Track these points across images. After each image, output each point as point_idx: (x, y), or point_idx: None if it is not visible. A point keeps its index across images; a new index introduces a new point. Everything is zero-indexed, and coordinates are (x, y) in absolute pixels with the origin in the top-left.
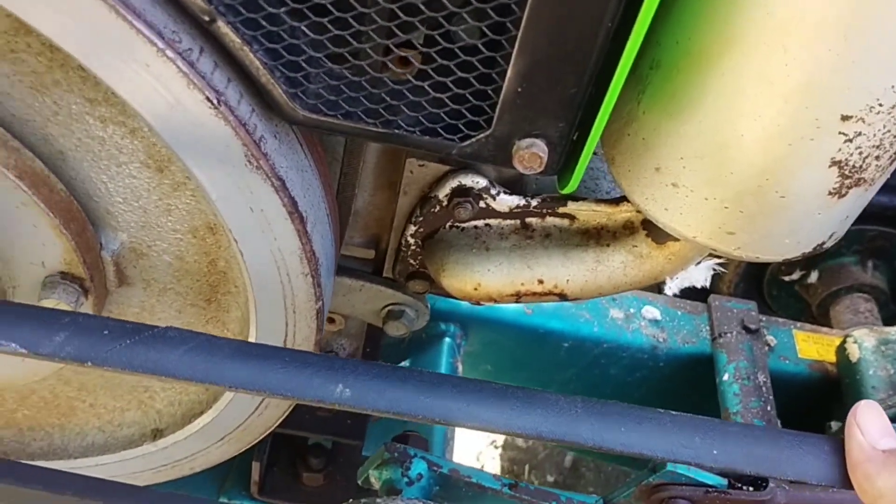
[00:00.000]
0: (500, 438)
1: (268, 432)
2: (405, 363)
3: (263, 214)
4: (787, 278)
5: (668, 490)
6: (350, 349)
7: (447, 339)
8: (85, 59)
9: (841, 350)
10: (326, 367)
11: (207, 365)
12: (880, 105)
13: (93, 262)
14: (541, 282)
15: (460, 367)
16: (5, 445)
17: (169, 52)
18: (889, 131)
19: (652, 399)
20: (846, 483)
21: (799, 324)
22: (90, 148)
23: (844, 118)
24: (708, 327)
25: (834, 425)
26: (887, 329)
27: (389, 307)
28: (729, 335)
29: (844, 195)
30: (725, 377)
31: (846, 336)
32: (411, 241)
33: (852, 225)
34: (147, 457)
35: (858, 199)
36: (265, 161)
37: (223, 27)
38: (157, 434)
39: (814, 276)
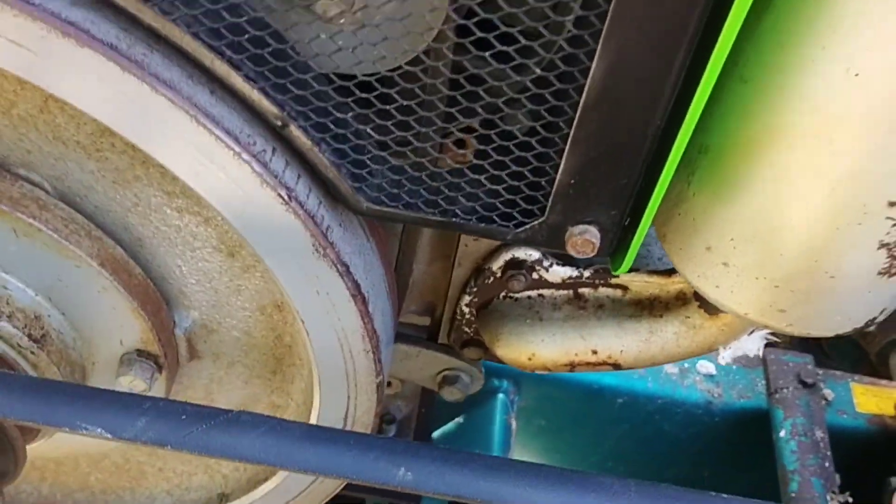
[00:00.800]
0: None
1: (328, 498)
2: (459, 419)
3: (329, 297)
4: None
5: None
6: (406, 411)
7: (500, 395)
8: (165, 161)
9: None
10: (389, 451)
11: (278, 449)
12: None
13: (167, 340)
14: (595, 352)
15: (514, 423)
16: None
17: (244, 155)
18: None
19: (707, 455)
20: None
21: (857, 377)
22: (166, 235)
23: (892, 204)
24: (764, 381)
25: (894, 481)
26: None
27: (445, 372)
28: (785, 390)
29: (894, 274)
30: (782, 433)
31: None
32: (466, 310)
33: None
34: None
35: None
36: (331, 249)
37: (294, 130)
38: (222, 499)
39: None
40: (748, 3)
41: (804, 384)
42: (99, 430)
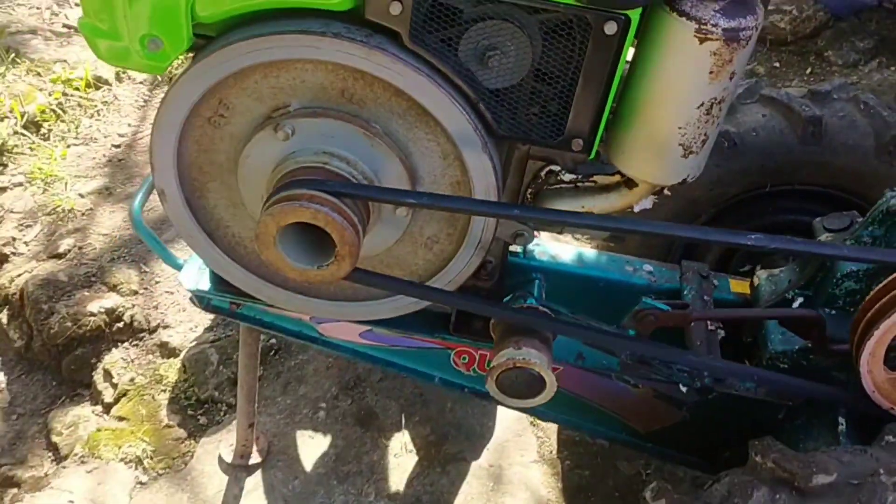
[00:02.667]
0: None
1: (459, 284)
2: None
3: (484, 170)
4: (741, 270)
5: (644, 313)
6: (495, 262)
7: (537, 281)
8: (436, 114)
9: (751, 282)
10: (516, 207)
11: (473, 205)
12: (689, 123)
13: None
14: (583, 207)
15: (544, 294)
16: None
17: (464, 112)
18: (696, 132)
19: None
20: None
21: (732, 275)
22: (420, 150)
23: (679, 128)
24: (678, 277)
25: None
26: (773, 269)
27: (517, 231)
28: (689, 274)
29: (687, 157)
30: (685, 294)
31: (754, 274)
32: (529, 197)
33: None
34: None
35: (696, 160)
36: (488, 148)
37: (480, 105)
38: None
39: (758, 269)
40: (625, 57)
41: (701, 276)
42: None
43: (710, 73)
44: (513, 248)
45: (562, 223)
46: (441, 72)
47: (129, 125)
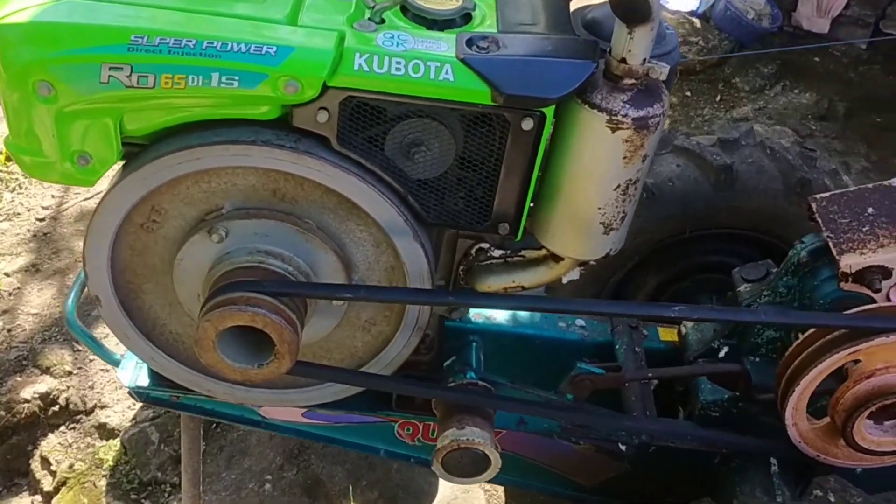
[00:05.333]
0: None
1: (397, 366)
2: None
3: (418, 257)
4: None
5: (580, 377)
6: (432, 335)
7: (474, 344)
8: (367, 209)
9: (679, 331)
10: (449, 295)
11: (411, 296)
12: (608, 203)
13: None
14: (513, 282)
15: (482, 357)
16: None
17: (392, 205)
18: (615, 211)
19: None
20: None
21: (662, 325)
22: (353, 240)
23: (598, 208)
24: (610, 329)
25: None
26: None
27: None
28: (620, 328)
29: (609, 234)
30: (617, 347)
31: (682, 325)
32: (461, 273)
33: (701, 275)
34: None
35: (617, 235)
36: (419, 237)
37: (409, 198)
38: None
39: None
40: (543, 149)
41: (630, 326)
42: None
43: (624, 158)
44: None
45: (495, 306)
46: (369, 169)
47: (53, 196)
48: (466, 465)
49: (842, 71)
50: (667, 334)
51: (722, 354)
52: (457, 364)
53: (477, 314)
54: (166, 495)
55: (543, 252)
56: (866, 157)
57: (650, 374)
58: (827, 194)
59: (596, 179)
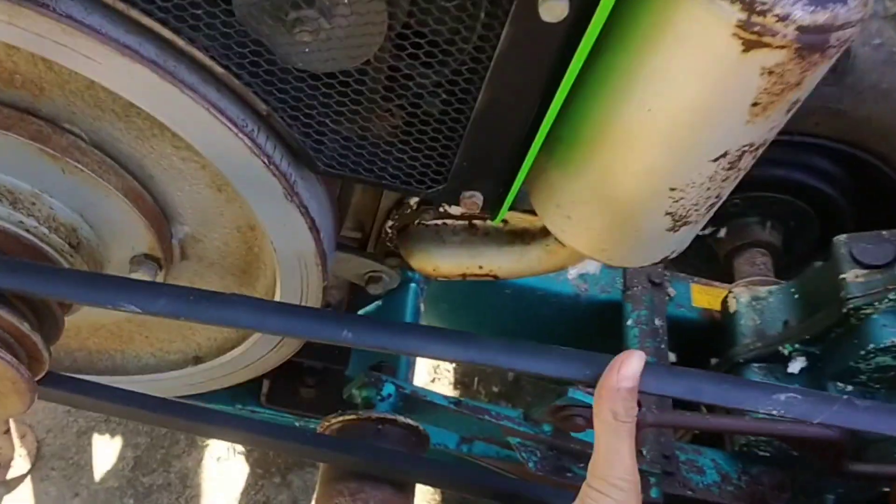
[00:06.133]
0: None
1: (278, 364)
2: (378, 302)
3: (293, 228)
4: (701, 232)
5: (569, 410)
6: (339, 297)
7: (413, 285)
8: (182, 133)
9: (724, 302)
10: (335, 319)
11: (256, 317)
12: (693, 183)
13: (167, 248)
14: (480, 267)
15: (422, 307)
16: (78, 363)
17: (239, 134)
18: (701, 196)
19: (574, 337)
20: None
21: (698, 279)
22: (171, 174)
23: (671, 189)
24: (622, 279)
25: (713, 361)
26: (760, 288)
27: (370, 273)
28: (636, 287)
29: (677, 230)
30: (629, 322)
31: (729, 291)
32: (389, 231)
33: (756, 192)
34: (189, 376)
35: (688, 231)
36: (297, 197)
37: (274, 117)
38: (197, 360)
39: (722, 232)
40: (581, 62)
41: (653, 283)
42: (132, 306)
43: (755, 105)
44: None
45: (424, 355)
46: (181, 47)
47: None
48: None
49: None
50: (702, 295)
51: (794, 369)
52: (364, 374)
53: None
54: None
55: (538, 221)
56: None
57: (679, 422)
58: None
59: (684, 139)
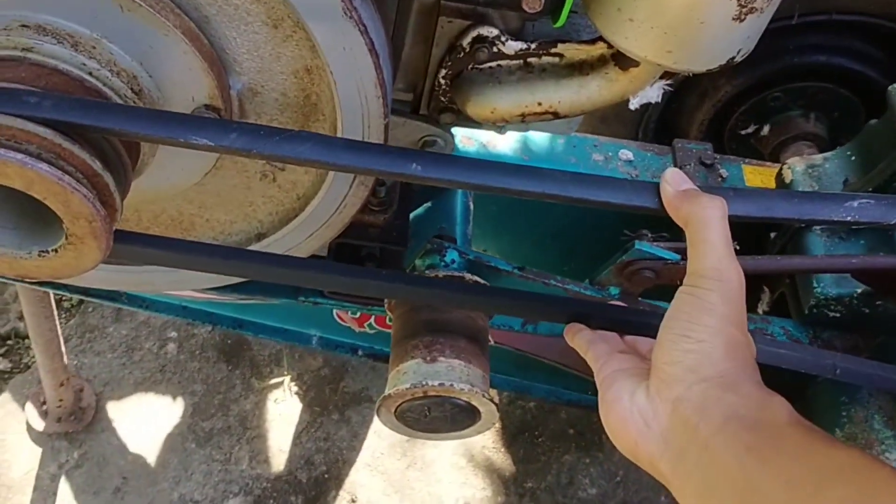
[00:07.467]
0: None
1: (343, 228)
2: (429, 203)
3: (352, 51)
4: (743, 132)
5: (637, 265)
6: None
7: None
8: None
9: (778, 175)
10: (402, 153)
11: (328, 152)
12: None
13: (226, 98)
14: (539, 104)
15: (472, 206)
16: None
17: None
18: None
19: (626, 221)
20: (662, 210)
21: (748, 160)
22: (226, 13)
23: None
24: (672, 164)
25: (772, 235)
26: (815, 156)
27: (425, 138)
28: (688, 166)
29: (744, 19)
30: None
31: (783, 164)
32: (442, 82)
33: (797, 82)
34: None
35: (755, 23)
36: (355, 12)
37: None
38: (260, 236)
39: (766, 129)
40: None
41: (704, 164)
42: (204, 140)
43: None
44: None
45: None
46: None
47: None
48: (440, 420)
49: None
50: (755, 176)
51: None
52: (428, 240)
53: (468, 138)
54: (31, 355)
55: (599, 48)
56: None
57: (752, 265)
58: None
59: None
